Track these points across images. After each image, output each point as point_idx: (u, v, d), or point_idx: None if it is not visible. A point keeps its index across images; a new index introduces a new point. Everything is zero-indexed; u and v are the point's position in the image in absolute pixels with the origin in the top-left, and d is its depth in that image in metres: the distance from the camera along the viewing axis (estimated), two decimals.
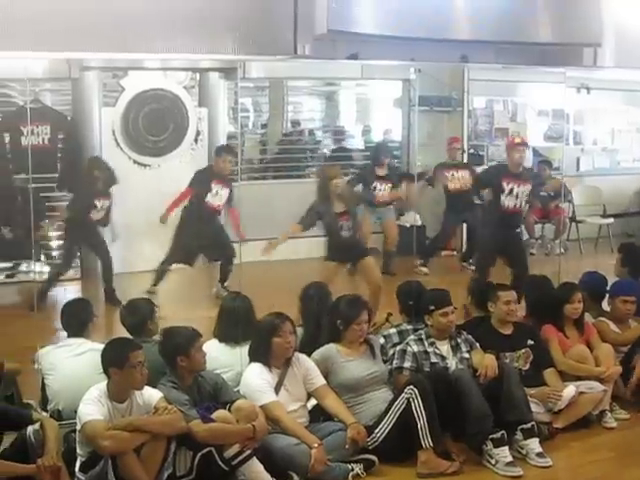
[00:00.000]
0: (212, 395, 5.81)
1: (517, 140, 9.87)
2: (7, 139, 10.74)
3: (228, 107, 12.66)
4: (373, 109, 15.31)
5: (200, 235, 10.01)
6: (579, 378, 6.89)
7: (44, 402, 6.18)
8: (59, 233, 11.35)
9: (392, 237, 11.83)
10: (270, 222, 11.71)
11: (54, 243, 11.56)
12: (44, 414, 5.85)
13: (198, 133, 12.11)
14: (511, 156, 9.52)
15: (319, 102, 15.35)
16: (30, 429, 5.33)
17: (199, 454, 5.38)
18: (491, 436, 6.07)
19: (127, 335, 6.30)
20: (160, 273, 10.06)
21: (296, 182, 13.31)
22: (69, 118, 11.51)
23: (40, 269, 10.57)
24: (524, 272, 9.22)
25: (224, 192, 10.19)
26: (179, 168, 11.46)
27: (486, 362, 6.43)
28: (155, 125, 11.74)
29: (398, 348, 6.70)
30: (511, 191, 9.40)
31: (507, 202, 9.44)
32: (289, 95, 14.48)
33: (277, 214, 12.01)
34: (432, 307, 6.64)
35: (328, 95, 15.14)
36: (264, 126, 14.68)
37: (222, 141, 12.28)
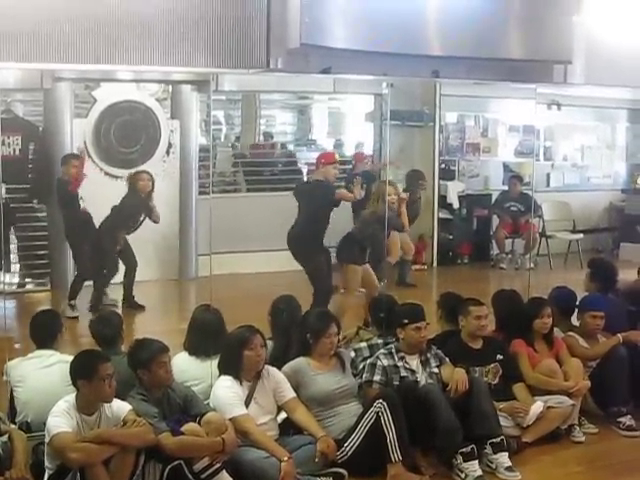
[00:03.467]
0: (182, 408, 5.79)
1: (336, 157, 10.06)
2: None
3: (200, 120, 12.64)
4: (345, 123, 15.35)
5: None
6: (548, 392, 6.92)
7: (12, 414, 6.12)
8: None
9: (406, 247, 11.49)
10: (241, 235, 11.77)
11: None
12: (12, 426, 5.81)
13: (170, 145, 12.10)
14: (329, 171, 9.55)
15: (291, 115, 15.37)
16: None
17: (168, 467, 5.36)
18: (461, 450, 6.08)
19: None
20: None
21: (268, 195, 13.34)
22: (40, 129, 11.46)
23: (9, 280, 10.54)
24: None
25: None
26: None
27: (456, 376, 6.45)
28: (127, 137, 11.72)
29: (368, 362, 6.70)
30: None
31: None
32: (262, 108, 14.50)
33: (248, 227, 12.05)
34: (406, 320, 6.65)
35: (300, 109, 15.16)
36: (236, 139, 14.68)
37: (194, 153, 12.28)
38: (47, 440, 5.24)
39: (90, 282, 10.16)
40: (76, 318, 9.60)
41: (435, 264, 13.56)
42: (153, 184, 10.50)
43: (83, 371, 5.36)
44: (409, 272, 11.71)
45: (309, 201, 9.24)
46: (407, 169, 12.42)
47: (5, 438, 5.36)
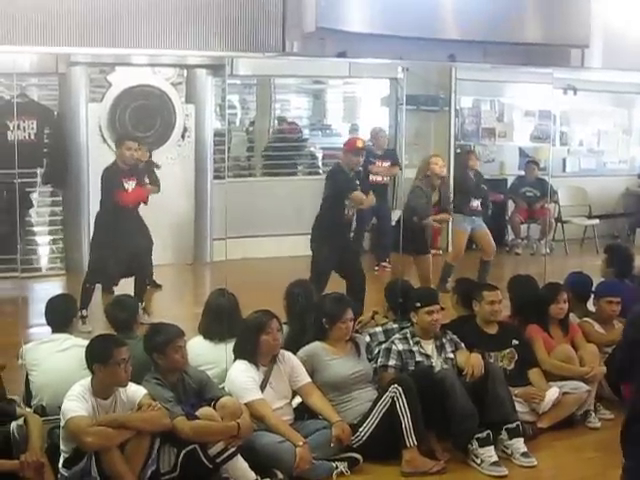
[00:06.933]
0: (197, 392, 5.80)
1: (359, 144, 9.12)
2: None
3: (215, 104, 12.63)
4: (360, 107, 15.28)
5: (117, 244, 8.91)
6: (564, 378, 6.91)
7: (28, 398, 6.15)
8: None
9: (491, 246, 10.83)
10: (256, 219, 11.78)
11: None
12: (28, 410, 5.83)
13: (185, 130, 12.09)
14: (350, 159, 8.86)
15: (306, 100, 15.31)
16: (14, 425, 5.33)
17: (183, 451, 5.38)
18: (476, 436, 6.08)
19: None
20: (84, 293, 8.88)
21: (282, 180, 13.34)
22: (56, 113, 11.46)
23: (25, 265, 10.55)
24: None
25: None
26: (166, 164, 11.42)
27: (472, 361, 6.44)
28: (142, 121, 11.70)
29: (383, 346, 6.70)
30: None
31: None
32: (276, 93, 14.46)
33: (263, 211, 12.06)
34: (418, 304, 6.65)
35: (316, 93, 15.10)
36: (251, 123, 14.66)
37: (209, 138, 12.27)
38: (62, 424, 5.27)
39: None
40: None
41: (450, 249, 13.51)
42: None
43: (99, 355, 5.38)
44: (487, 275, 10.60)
45: (325, 186, 9.07)
46: (424, 153, 12.35)
47: (21, 422, 5.37)
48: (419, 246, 9.19)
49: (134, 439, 5.25)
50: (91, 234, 9.64)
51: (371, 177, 11.33)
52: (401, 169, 11.65)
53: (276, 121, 14.56)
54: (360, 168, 9.05)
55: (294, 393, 6.27)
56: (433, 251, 12.61)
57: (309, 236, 8.76)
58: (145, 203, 9.15)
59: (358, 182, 8.81)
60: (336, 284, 8.36)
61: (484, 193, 10.87)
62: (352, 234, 9.37)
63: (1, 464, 5.06)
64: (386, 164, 11.76)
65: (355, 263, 8.79)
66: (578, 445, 6.58)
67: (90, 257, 9.14)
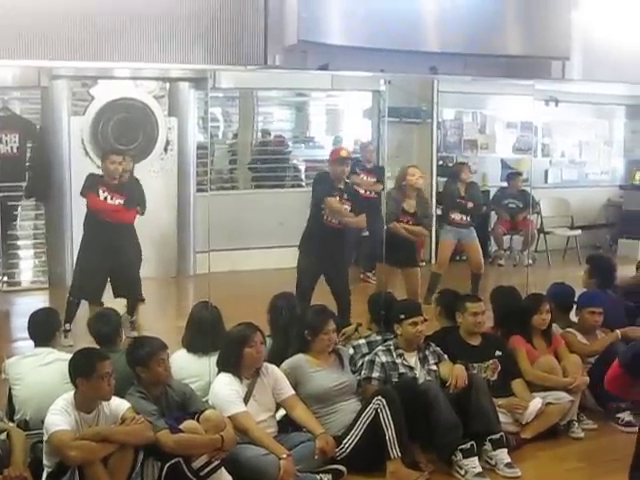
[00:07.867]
0: (180, 405, 5.79)
1: (343, 153, 9.01)
2: None
3: (198, 117, 12.63)
4: (343, 120, 15.32)
5: (102, 258, 8.69)
6: (547, 388, 6.93)
7: (11, 412, 6.12)
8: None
9: (477, 260, 10.76)
10: (239, 232, 11.78)
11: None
12: (11, 424, 5.80)
13: (168, 143, 12.09)
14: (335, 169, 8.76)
15: (289, 112, 15.33)
16: None
17: (167, 464, 5.35)
18: (460, 447, 6.08)
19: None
20: (69, 307, 8.74)
21: (265, 192, 13.35)
22: (38, 127, 11.45)
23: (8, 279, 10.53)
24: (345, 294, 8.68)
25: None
26: (148, 177, 11.42)
27: (456, 372, 6.45)
28: (124, 134, 11.69)
29: (366, 358, 6.71)
30: None
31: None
32: (259, 105, 14.48)
33: (246, 224, 12.06)
34: (402, 316, 6.66)
35: (298, 106, 15.12)
36: (234, 136, 14.67)
37: (192, 151, 12.27)
38: (45, 438, 5.24)
39: None
40: None
41: (433, 261, 13.53)
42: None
43: (82, 369, 5.36)
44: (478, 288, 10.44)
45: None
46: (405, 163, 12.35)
47: (3, 436, 5.36)
48: (408, 259, 9.18)
49: (118, 453, 5.22)
50: (74, 248, 9.59)
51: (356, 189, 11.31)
52: (384, 187, 11.52)
53: (259, 134, 14.57)
54: (347, 180, 8.99)
55: (278, 406, 6.26)
56: None
57: (293, 248, 8.77)
58: (130, 222, 9.03)
59: (347, 196, 8.71)
60: (327, 298, 8.35)
61: (464, 208, 10.73)
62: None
63: None
64: (372, 179, 11.71)
65: (341, 280, 8.76)
66: (562, 455, 6.59)
67: (74, 271, 9.09)
